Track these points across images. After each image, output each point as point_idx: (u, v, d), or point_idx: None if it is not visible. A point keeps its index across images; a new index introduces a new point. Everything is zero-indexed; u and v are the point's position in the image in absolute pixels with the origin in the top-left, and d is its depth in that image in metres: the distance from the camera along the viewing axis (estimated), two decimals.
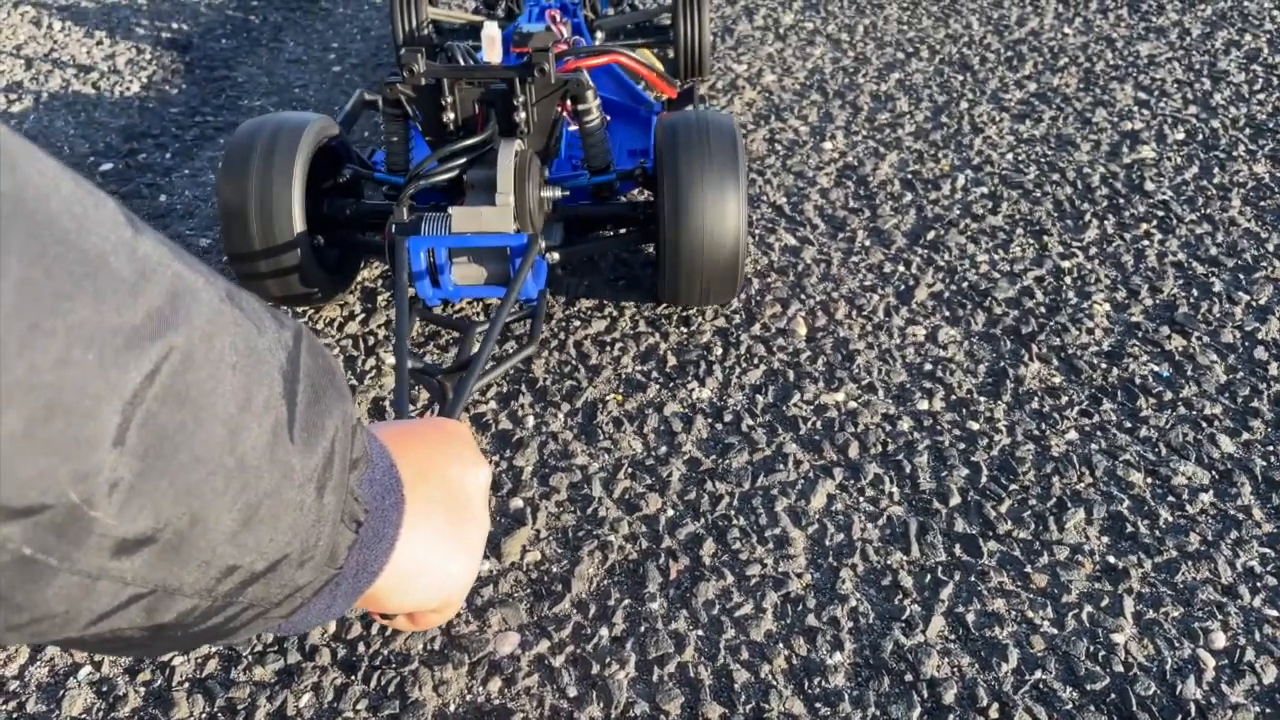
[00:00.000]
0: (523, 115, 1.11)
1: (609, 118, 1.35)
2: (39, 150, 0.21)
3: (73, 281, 0.20)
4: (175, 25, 2.11)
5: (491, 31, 1.20)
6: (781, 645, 0.84)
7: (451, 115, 1.11)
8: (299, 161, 1.10)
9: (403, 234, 1.03)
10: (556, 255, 1.14)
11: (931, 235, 1.35)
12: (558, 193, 1.16)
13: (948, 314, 1.21)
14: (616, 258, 1.32)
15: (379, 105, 1.38)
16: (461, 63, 1.19)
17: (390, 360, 1.17)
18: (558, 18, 1.52)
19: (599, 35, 1.65)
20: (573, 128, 1.29)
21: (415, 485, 0.34)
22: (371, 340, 1.20)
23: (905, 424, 1.05)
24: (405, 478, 0.33)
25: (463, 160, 1.09)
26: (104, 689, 0.82)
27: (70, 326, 0.19)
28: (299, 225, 1.10)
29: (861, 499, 0.97)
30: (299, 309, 1.25)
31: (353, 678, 0.82)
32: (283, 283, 1.13)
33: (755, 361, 1.14)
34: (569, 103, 1.16)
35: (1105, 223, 1.36)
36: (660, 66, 1.55)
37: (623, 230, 1.23)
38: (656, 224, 1.11)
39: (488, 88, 1.12)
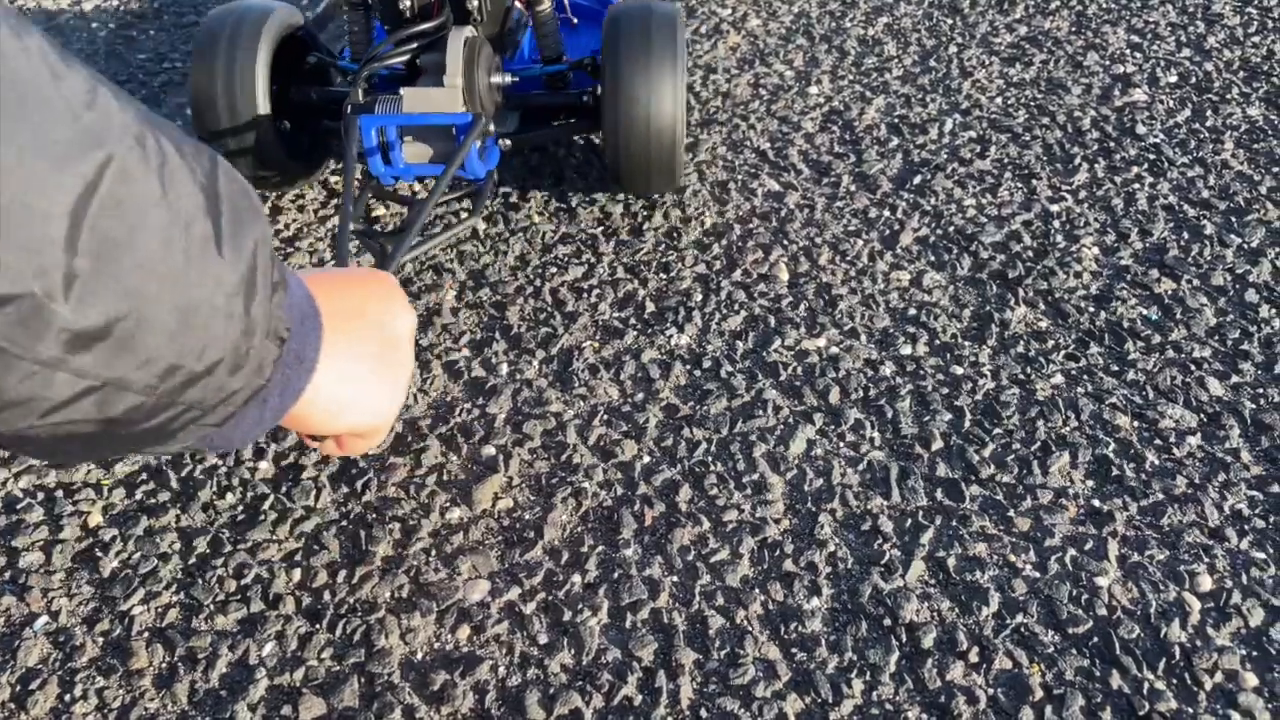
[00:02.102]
0: (475, 3, 1.15)
1: (575, 20, 1.44)
2: None
3: (17, 102, 0.23)
4: None
5: None
6: (758, 591, 0.82)
7: (407, 2, 1.13)
8: (263, 46, 1.14)
9: (356, 113, 1.07)
10: (508, 142, 1.18)
11: (918, 180, 1.32)
12: (507, 78, 1.20)
13: (933, 259, 1.18)
14: (583, 161, 1.28)
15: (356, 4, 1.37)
16: None
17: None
18: None
19: None
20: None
21: (338, 320, 0.37)
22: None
23: (888, 369, 1.03)
24: (329, 311, 0.36)
25: (414, 45, 1.13)
26: (61, 639, 0.80)
27: (17, 138, 0.22)
28: (263, 108, 1.15)
29: (842, 444, 0.95)
30: (270, 190, 1.31)
31: (317, 626, 0.80)
32: (250, 163, 1.19)
33: (736, 308, 1.12)
34: None
35: (1095, 166, 1.33)
36: None
37: (573, 120, 1.27)
38: (602, 112, 1.15)
39: None
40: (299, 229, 1.27)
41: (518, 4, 1.27)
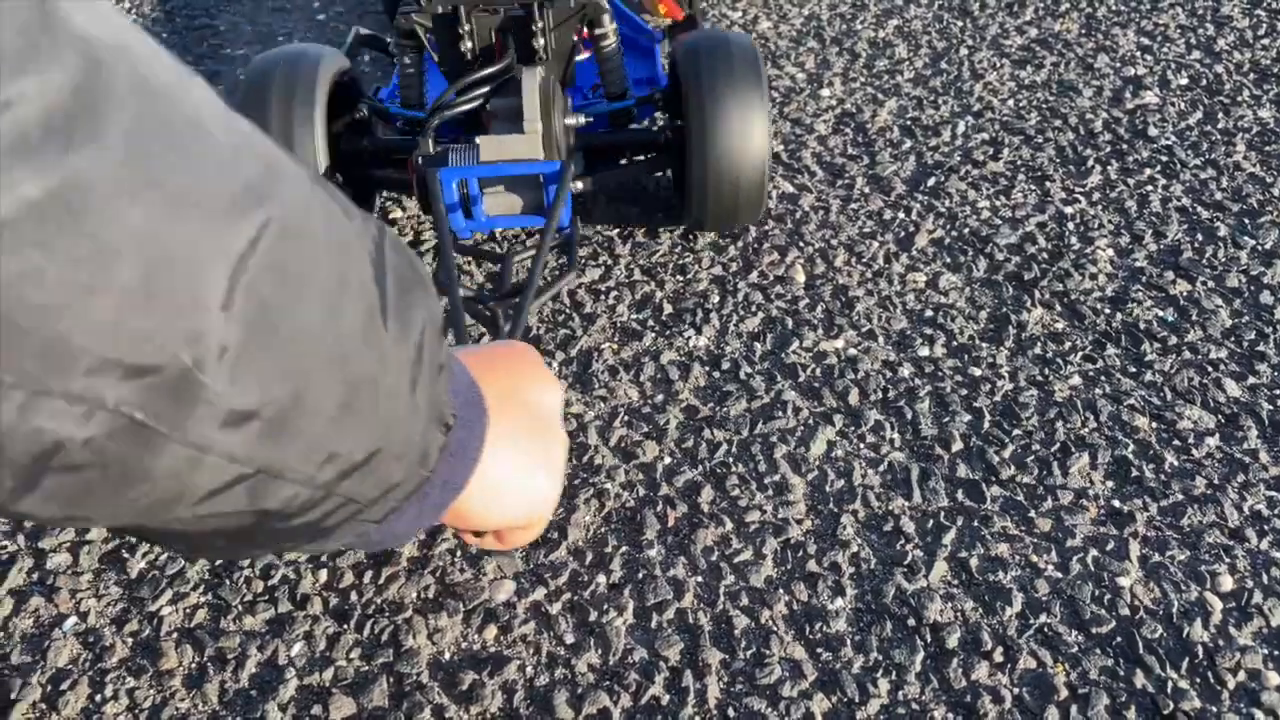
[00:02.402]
0: (541, 41, 1.09)
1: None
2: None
3: (179, 143, 0.20)
4: None
5: None
6: (782, 591, 0.82)
7: (469, 44, 1.09)
8: (319, 97, 1.08)
9: (431, 166, 1.02)
10: (581, 184, 1.13)
11: (932, 182, 1.33)
12: (581, 119, 1.15)
13: (949, 260, 1.19)
14: (630, 185, 1.29)
15: (374, 42, 1.37)
16: None
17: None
18: None
19: None
20: (582, 56, 1.29)
21: (496, 403, 0.34)
22: None
23: (906, 370, 1.03)
24: (486, 396, 0.34)
25: (485, 90, 1.08)
26: (90, 639, 0.81)
27: (178, 185, 0.20)
28: (323, 163, 1.07)
29: (862, 445, 0.95)
30: None
31: (345, 626, 0.81)
32: None
33: (753, 309, 1.12)
34: (585, 28, 1.15)
35: (1108, 168, 1.34)
36: None
37: (644, 156, 1.21)
38: (682, 146, 1.10)
39: (505, 14, 1.10)
40: None
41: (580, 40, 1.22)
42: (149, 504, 0.23)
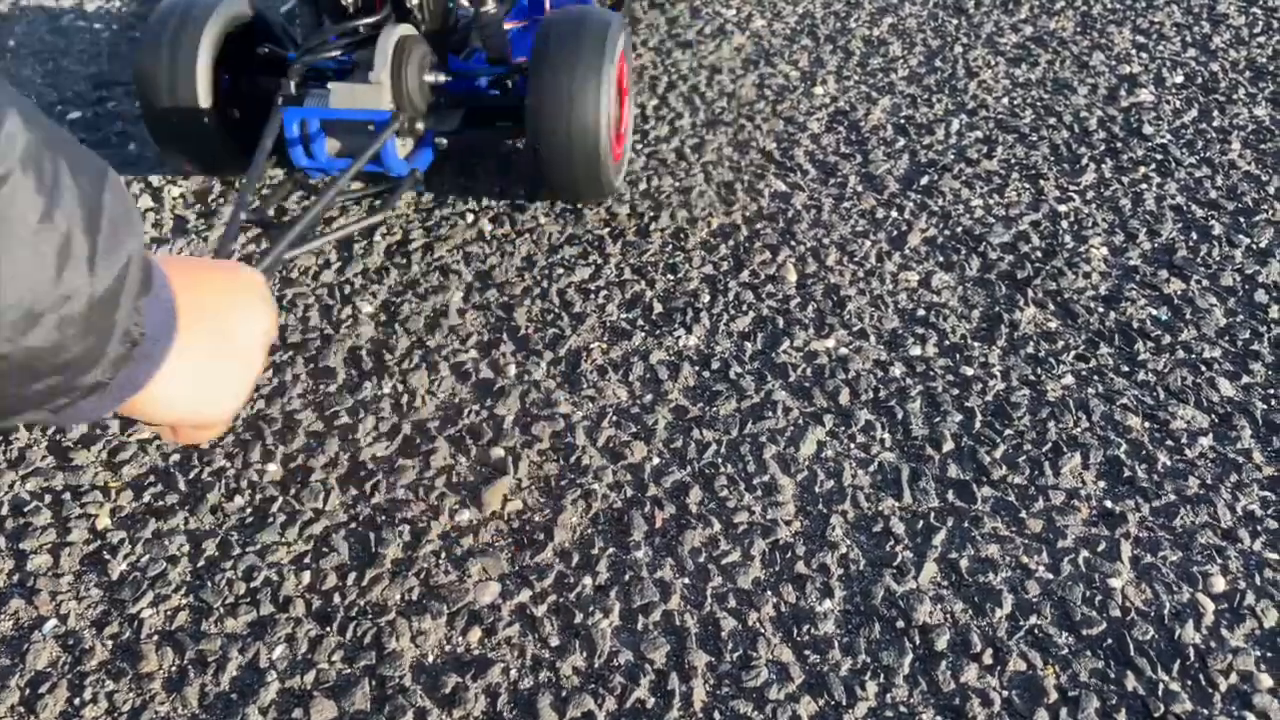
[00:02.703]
0: (415, 1, 1.15)
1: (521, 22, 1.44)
2: None
3: None
4: None
5: None
6: (770, 593, 0.81)
7: None
8: (207, 35, 1.15)
9: (286, 104, 1.09)
10: (444, 141, 1.19)
11: (925, 180, 1.32)
12: (441, 77, 1.19)
13: (941, 259, 1.18)
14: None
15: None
16: None
17: (365, 309, 1.13)
18: None
19: None
20: (514, 25, 1.36)
21: (193, 317, 0.39)
22: (348, 289, 1.16)
23: (897, 370, 1.03)
24: (186, 306, 0.38)
25: (347, 40, 1.13)
26: (70, 642, 0.80)
27: None
28: (205, 97, 1.15)
29: (852, 445, 0.94)
30: (213, 176, 1.34)
31: (328, 629, 0.80)
32: (191, 149, 1.21)
33: (744, 308, 1.11)
34: None
35: (1103, 166, 1.33)
36: None
37: (510, 123, 1.26)
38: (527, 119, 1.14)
39: None
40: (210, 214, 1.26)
41: (463, 3, 1.27)
42: None
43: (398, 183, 1.15)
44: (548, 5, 1.47)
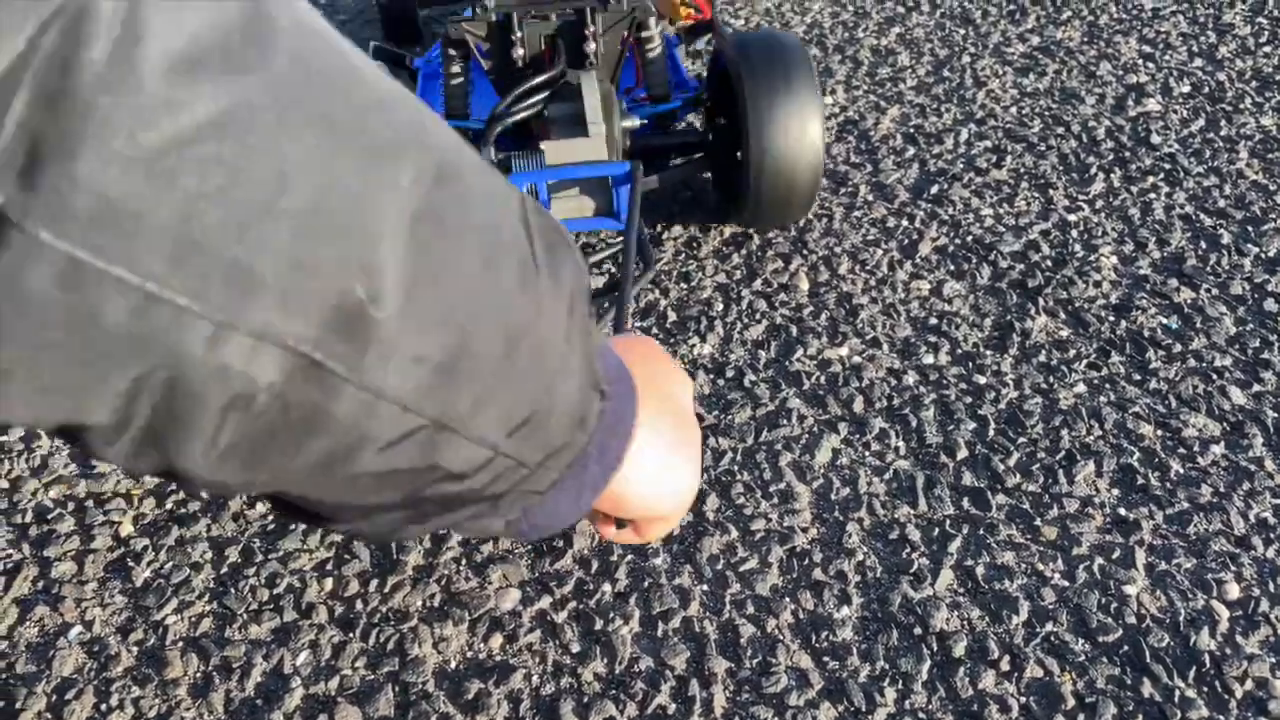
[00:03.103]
0: (593, 46, 1.11)
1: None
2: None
3: (338, 82, 0.21)
4: None
5: None
6: (788, 599, 0.82)
7: (520, 51, 1.10)
8: None
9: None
10: (655, 179, 1.14)
11: (935, 189, 1.33)
12: (636, 122, 1.17)
13: (952, 268, 1.19)
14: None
15: (392, 58, 1.39)
16: None
17: None
18: None
19: None
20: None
21: (641, 386, 0.33)
22: None
23: (910, 378, 1.03)
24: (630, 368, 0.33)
25: (543, 95, 1.08)
26: (95, 648, 0.81)
27: (340, 119, 0.21)
28: None
29: (867, 453, 0.95)
30: None
31: (351, 635, 0.81)
32: None
33: (757, 317, 1.12)
34: (632, 31, 1.17)
35: (1111, 176, 1.34)
36: None
37: (692, 157, 1.24)
38: (729, 145, 1.14)
39: (557, 20, 1.12)
40: None
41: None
42: (328, 456, 0.23)
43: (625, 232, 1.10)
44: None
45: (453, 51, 1.14)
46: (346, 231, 0.21)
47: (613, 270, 1.20)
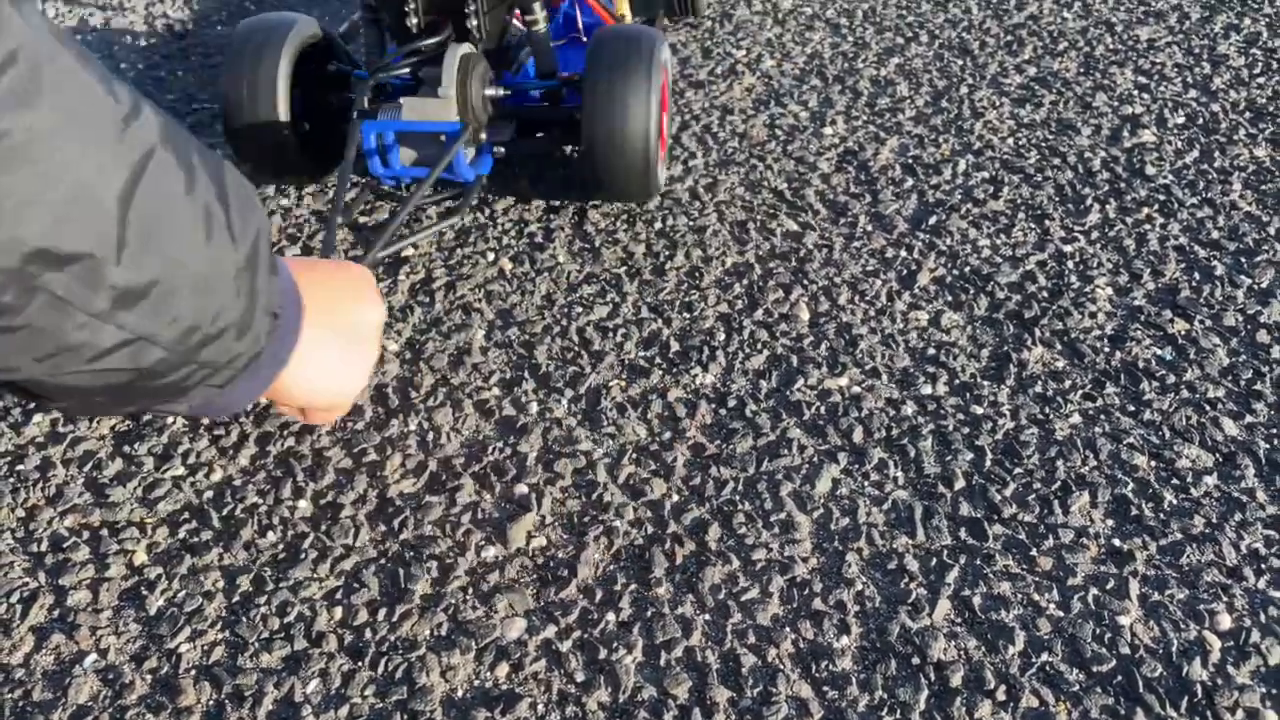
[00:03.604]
0: (475, 22, 1.26)
1: (586, 39, 1.58)
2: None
3: (83, 107, 0.29)
4: (171, 12, 2.10)
5: None
6: (788, 629, 0.84)
7: (414, 20, 1.25)
8: (285, 55, 1.28)
9: (360, 119, 1.21)
10: (502, 150, 1.31)
11: (933, 220, 1.35)
12: (500, 91, 1.31)
13: (950, 299, 1.21)
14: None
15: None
16: None
17: (391, 346, 1.16)
18: None
19: None
20: (559, 42, 1.53)
21: (315, 303, 0.43)
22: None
23: (909, 408, 1.05)
24: (309, 295, 0.43)
25: (415, 59, 1.26)
26: (110, 676, 0.82)
27: (83, 134, 0.29)
28: (284, 113, 1.28)
29: (866, 483, 0.97)
30: (289, 185, 1.45)
31: (360, 664, 0.82)
32: (272, 160, 1.33)
33: (758, 347, 1.14)
34: (518, 11, 1.33)
35: (1107, 207, 1.36)
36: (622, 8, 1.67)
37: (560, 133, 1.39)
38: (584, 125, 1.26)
39: None
40: (303, 220, 1.30)
41: (516, 23, 1.40)
42: (58, 358, 0.31)
43: (464, 188, 1.30)
44: (580, 24, 1.62)
45: (367, 15, 1.34)
46: (86, 212, 0.29)
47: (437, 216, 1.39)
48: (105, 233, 0.30)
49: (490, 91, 1.30)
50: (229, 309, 0.35)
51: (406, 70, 1.27)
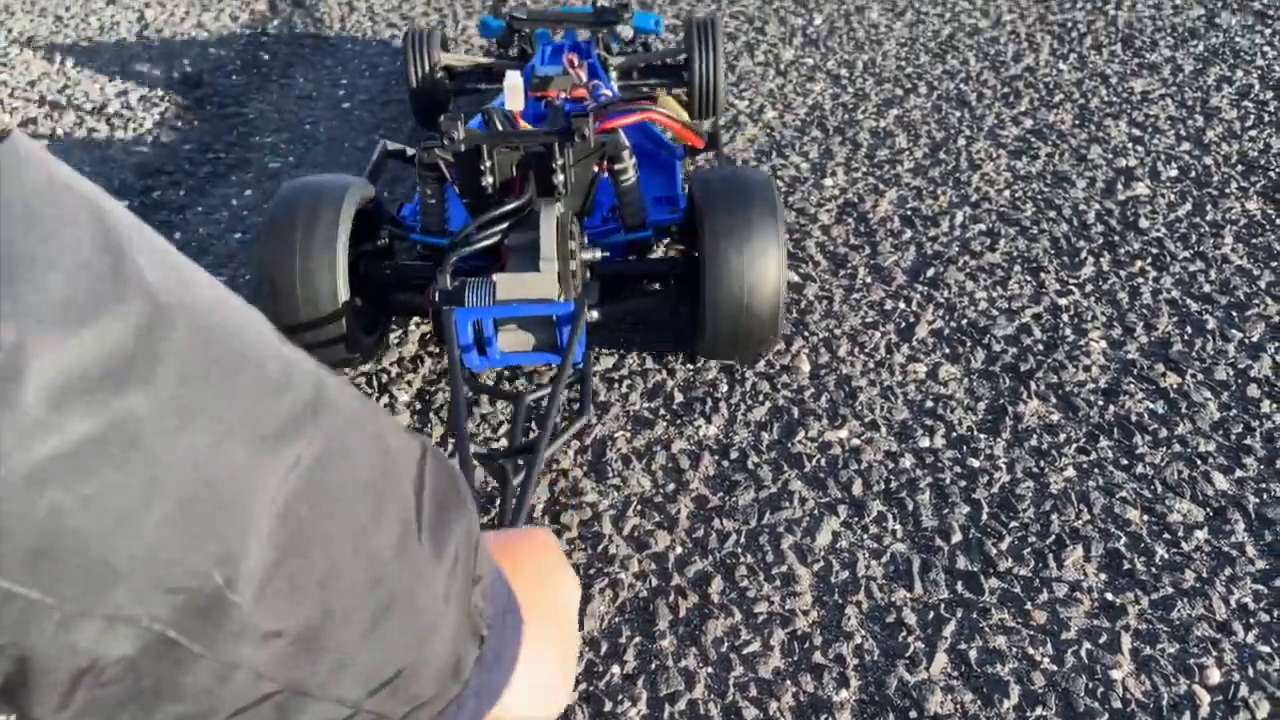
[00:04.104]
0: (561, 178, 1.12)
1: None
2: (196, 265, 0.24)
3: (229, 377, 0.22)
4: (186, 62, 2.15)
5: (514, 81, 1.22)
6: (789, 682, 0.86)
7: (489, 179, 1.13)
8: (342, 227, 1.09)
9: (447, 303, 1.04)
10: (596, 314, 1.11)
11: (931, 272, 1.38)
12: (598, 254, 1.16)
13: (948, 351, 1.24)
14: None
15: (404, 156, 1.45)
16: (498, 127, 1.18)
17: (402, 397, 1.19)
18: (575, 61, 1.56)
19: (613, 75, 1.69)
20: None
21: (527, 605, 0.34)
22: (385, 378, 1.22)
23: (907, 461, 1.08)
24: (519, 599, 0.34)
25: (504, 226, 1.11)
26: None
27: (225, 416, 0.22)
28: (343, 294, 1.09)
29: (865, 536, 0.99)
30: (342, 369, 1.20)
31: None
32: (325, 350, 1.11)
33: (760, 399, 1.17)
34: (605, 162, 1.17)
35: (1101, 260, 1.40)
36: (686, 115, 1.53)
37: (658, 287, 1.25)
38: (696, 282, 1.11)
39: (526, 151, 1.13)
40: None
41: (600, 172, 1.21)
42: (180, 718, 0.23)
43: (579, 372, 1.07)
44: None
45: (427, 173, 1.16)
46: (212, 527, 0.21)
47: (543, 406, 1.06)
48: (232, 553, 0.22)
49: (587, 256, 1.15)
50: (416, 641, 0.27)
51: (489, 243, 1.10)
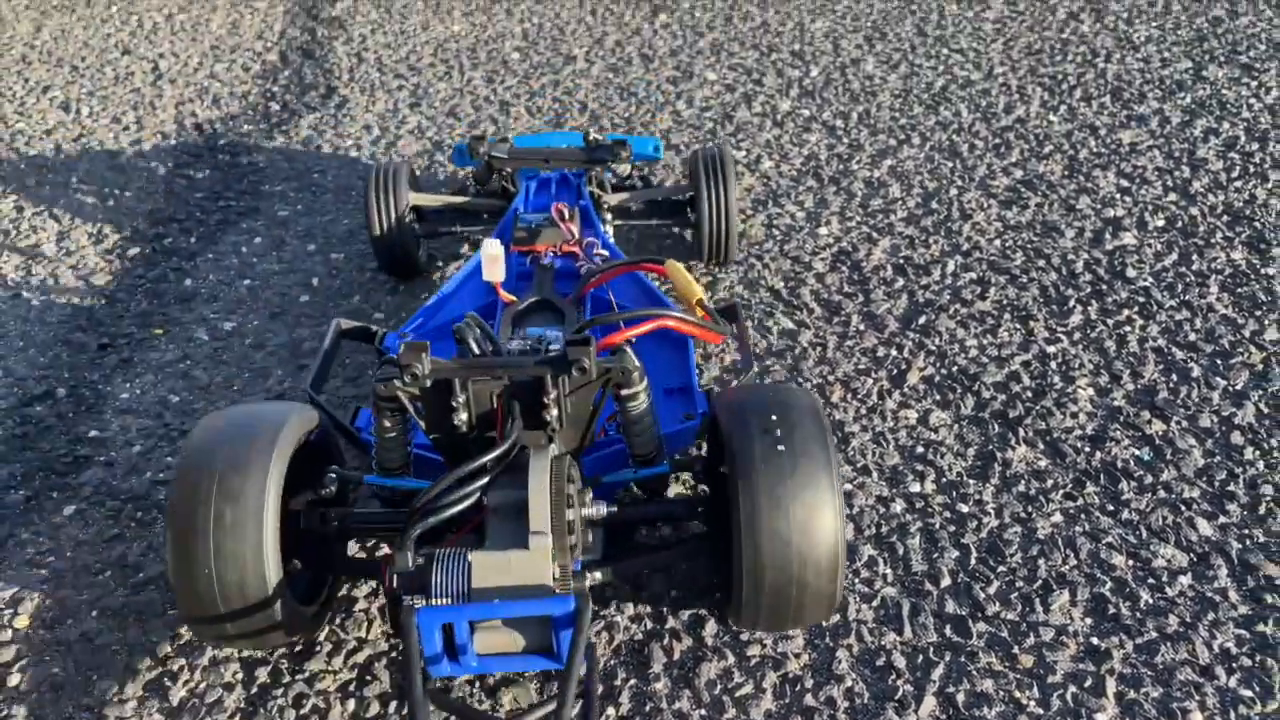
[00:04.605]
0: (555, 411, 0.87)
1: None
2: None
3: None
4: (199, 111, 2.21)
5: (492, 250, 1.07)
6: None
7: (464, 415, 0.87)
8: (270, 495, 0.83)
9: (408, 591, 0.78)
10: (599, 575, 0.88)
11: (922, 320, 1.41)
12: (603, 510, 0.88)
13: (938, 397, 1.27)
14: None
15: (358, 334, 1.20)
16: (474, 349, 0.92)
17: None
18: (565, 212, 1.31)
19: (608, 219, 1.50)
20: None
21: None
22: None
23: (898, 506, 1.10)
24: None
25: (483, 481, 0.84)
26: None
27: None
28: (273, 574, 0.82)
29: (856, 580, 1.02)
30: (270, 650, 0.96)
31: None
32: (251, 640, 0.87)
33: None
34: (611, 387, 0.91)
35: (1089, 309, 1.43)
36: (699, 290, 1.14)
37: (675, 531, 1.06)
38: (726, 534, 0.86)
39: (510, 380, 0.88)
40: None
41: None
42: None
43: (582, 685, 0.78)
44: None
45: (387, 405, 0.91)
46: None
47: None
48: None
49: (589, 511, 0.87)
50: None
51: (461, 508, 0.83)
